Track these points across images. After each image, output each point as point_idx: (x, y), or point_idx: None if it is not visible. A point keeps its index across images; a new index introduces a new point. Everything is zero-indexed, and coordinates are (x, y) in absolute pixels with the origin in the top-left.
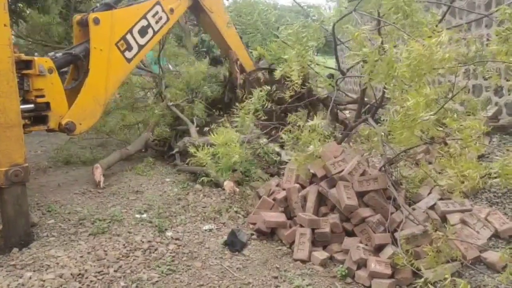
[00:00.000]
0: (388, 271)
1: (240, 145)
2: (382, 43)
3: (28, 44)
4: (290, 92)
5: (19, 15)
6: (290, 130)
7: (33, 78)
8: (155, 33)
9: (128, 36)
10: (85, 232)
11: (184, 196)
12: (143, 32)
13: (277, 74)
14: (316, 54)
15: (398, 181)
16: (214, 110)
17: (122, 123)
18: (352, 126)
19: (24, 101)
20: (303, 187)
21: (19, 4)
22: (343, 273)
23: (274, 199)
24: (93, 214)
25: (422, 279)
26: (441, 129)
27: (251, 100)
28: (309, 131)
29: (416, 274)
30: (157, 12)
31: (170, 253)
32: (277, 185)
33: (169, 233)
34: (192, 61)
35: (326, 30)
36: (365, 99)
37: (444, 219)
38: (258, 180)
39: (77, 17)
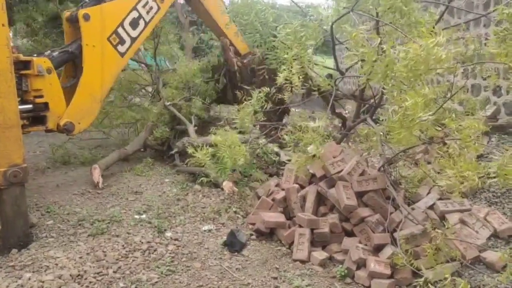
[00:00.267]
0: (388, 271)
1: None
2: (380, 43)
3: (28, 44)
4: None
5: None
6: (291, 131)
7: (31, 79)
8: (146, 24)
9: (120, 30)
10: (84, 233)
11: (183, 196)
12: (134, 24)
13: (279, 79)
14: (315, 53)
15: (397, 181)
16: (212, 105)
17: (120, 121)
18: (351, 126)
19: (23, 101)
20: (302, 187)
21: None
22: (343, 273)
23: (273, 199)
24: (92, 215)
25: (423, 279)
26: (440, 129)
27: (250, 102)
28: (311, 132)
29: (415, 274)
30: (147, 2)
31: (170, 253)
32: (276, 185)
33: (168, 234)
34: (189, 59)
35: (325, 30)
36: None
37: (443, 219)
38: (257, 181)
39: (66, 13)
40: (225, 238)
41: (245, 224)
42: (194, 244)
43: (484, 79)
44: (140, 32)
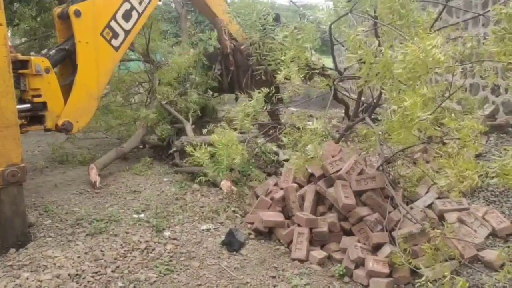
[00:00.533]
0: (386, 270)
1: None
2: (379, 45)
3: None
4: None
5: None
6: (289, 132)
7: (29, 78)
8: (140, 15)
9: (113, 23)
10: (83, 233)
11: (181, 195)
12: (127, 16)
13: (278, 77)
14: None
15: (396, 180)
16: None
17: (118, 121)
18: (350, 125)
19: (21, 101)
20: (301, 186)
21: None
22: (341, 272)
23: (271, 199)
24: (90, 214)
25: (422, 278)
26: (438, 128)
27: (250, 103)
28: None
29: (414, 273)
30: None
31: (168, 253)
32: (275, 185)
33: (166, 233)
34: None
35: (324, 31)
36: (362, 98)
37: (441, 218)
38: (255, 180)
39: (57, 10)
40: (223, 237)
41: (244, 223)
42: (193, 243)
43: (483, 78)
44: (134, 24)
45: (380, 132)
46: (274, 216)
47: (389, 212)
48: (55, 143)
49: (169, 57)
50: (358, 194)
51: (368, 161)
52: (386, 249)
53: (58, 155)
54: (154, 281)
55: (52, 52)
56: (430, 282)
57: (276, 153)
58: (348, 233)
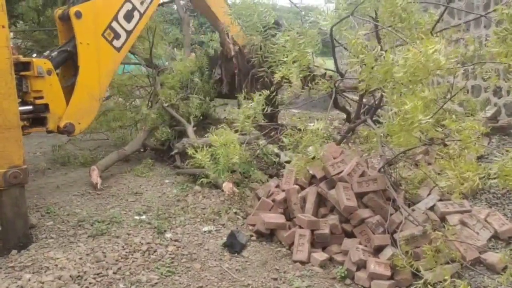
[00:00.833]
0: (388, 272)
1: (240, 145)
2: (380, 48)
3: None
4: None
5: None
6: (290, 133)
7: (31, 80)
8: (141, 15)
9: (114, 24)
10: (84, 234)
11: (183, 197)
12: (129, 16)
13: (276, 76)
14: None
15: (398, 182)
16: (212, 102)
17: (119, 123)
18: (351, 127)
19: (23, 102)
20: (302, 188)
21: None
22: (343, 274)
23: (273, 200)
24: (92, 216)
25: (422, 280)
26: (440, 130)
27: (251, 105)
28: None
29: (415, 275)
30: None
31: (169, 254)
32: (276, 186)
33: (168, 235)
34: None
35: (325, 33)
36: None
37: (443, 220)
38: (257, 181)
39: (58, 11)
40: (225, 239)
41: (245, 225)
42: (194, 245)
43: (485, 80)
44: (136, 25)
45: (381, 134)
46: (275, 218)
47: (391, 214)
48: (57, 145)
49: (171, 62)
50: (359, 196)
51: (369, 163)
52: (388, 251)
53: (60, 156)
54: (156, 283)
55: (54, 53)
56: (431, 285)
57: (278, 155)
58: (350, 235)
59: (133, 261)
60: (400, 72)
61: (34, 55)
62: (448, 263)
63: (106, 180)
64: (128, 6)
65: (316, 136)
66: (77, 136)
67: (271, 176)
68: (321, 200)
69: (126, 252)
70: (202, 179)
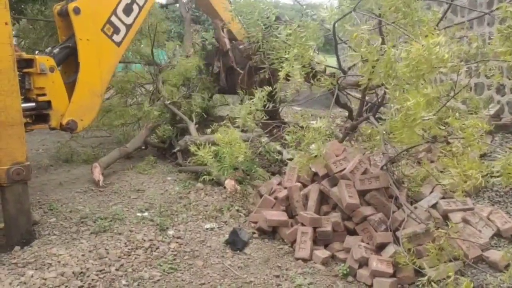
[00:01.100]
0: (390, 270)
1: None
2: (382, 43)
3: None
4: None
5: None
6: (293, 131)
7: (34, 77)
8: (141, 8)
9: (113, 18)
10: (87, 231)
11: (185, 194)
12: (128, 10)
13: (281, 74)
14: (317, 53)
15: (400, 179)
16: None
17: (121, 121)
18: (354, 125)
19: (26, 99)
20: (304, 185)
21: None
22: (345, 272)
23: (275, 198)
24: (94, 213)
25: (425, 278)
26: (443, 128)
27: (252, 101)
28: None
29: (418, 273)
30: None
31: (172, 251)
32: (279, 184)
33: (170, 232)
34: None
35: (327, 29)
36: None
37: (446, 218)
38: (259, 179)
39: (56, 7)
40: (227, 236)
41: (247, 223)
42: (196, 242)
43: (488, 77)
44: (135, 18)
45: (384, 132)
46: (277, 215)
47: (393, 212)
48: (60, 142)
49: (173, 58)
50: (362, 193)
51: (372, 160)
52: (390, 249)
53: (63, 153)
54: (158, 280)
55: (56, 50)
56: (434, 282)
57: (280, 152)
58: (352, 232)
59: (135, 258)
60: (403, 67)
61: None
62: (450, 261)
63: (108, 177)
64: (127, 0)
65: (318, 133)
66: (80, 133)
67: (273, 174)
68: (323, 197)
69: (129, 249)
70: (204, 177)
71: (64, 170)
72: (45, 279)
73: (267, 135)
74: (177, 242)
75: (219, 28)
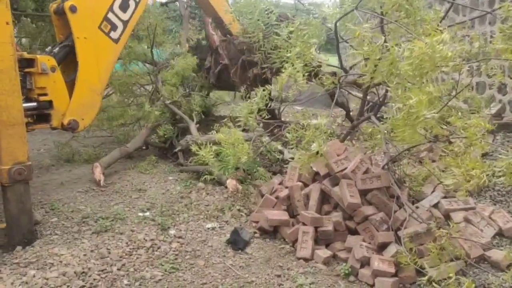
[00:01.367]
0: (392, 270)
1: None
2: (385, 41)
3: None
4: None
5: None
6: (294, 129)
7: (35, 77)
8: (137, 4)
9: (110, 15)
10: (88, 230)
11: (187, 194)
12: (124, 6)
13: (284, 74)
14: (318, 52)
15: (402, 179)
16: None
17: (121, 121)
18: (355, 124)
19: (27, 99)
20: (306, 185)
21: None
22: (346, 272)
23: (276, 197)
24: (96, 213)
25: (426, 277)
26: (445, 127)
27: (254, 100)
28: (313, 129)
29: (419, 272)
30: None
31: (173, 251)
32: (280, 183)
33: (172, 231)
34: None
35: (329, 29)
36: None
37: (447, 217)
38: (260, 178)
39: (52, 5)
40: (228, 236)
41: (249, 222)
42: (198, 242)
43: (489, 77)
44: (132, 14)
45: (385, 131)
46: (279, 215)
47: (395, 211)
48: (61, 142)
49: (172, 57)
50: (363, 193)
51: (373, 160)
52: (392, 249)
53: (64, 153)
54: (160, 279)
55: (56, 49)
56: (436, 282)
57: (281, 152)
58: (353, 232)
59: (137, 258)
60: (406, 65)
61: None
62: (452, 260)
63: (109, 177)
64: None
65: (319, 131)
66: (81, 133)
67: (274, 173)
68: (324, 197)
69: (130, 249)
70: (206, 176)
71: (66, 170)
72: (47, 279)
73: (268, 134)
74: (178, 242)
75: (207, 24)
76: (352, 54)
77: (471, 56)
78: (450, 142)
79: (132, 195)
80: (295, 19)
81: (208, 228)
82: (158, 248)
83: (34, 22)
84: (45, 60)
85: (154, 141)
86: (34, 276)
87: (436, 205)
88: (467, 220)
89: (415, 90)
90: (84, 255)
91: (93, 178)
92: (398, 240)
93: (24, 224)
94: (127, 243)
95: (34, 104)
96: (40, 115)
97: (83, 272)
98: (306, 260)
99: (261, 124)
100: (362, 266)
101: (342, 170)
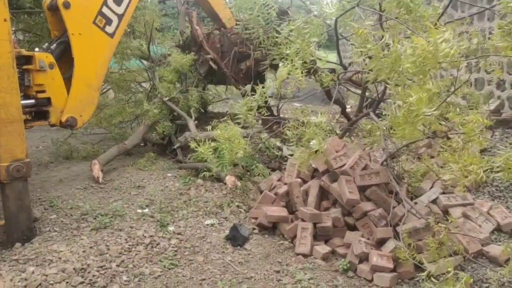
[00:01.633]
0: (390, 265)
1: (244, 140)
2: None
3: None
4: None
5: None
6: (294, 126)
7: (33, 74)
8: None
9: (104, 9)
10: (87, 227)
11: (185, 190)
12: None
13: (284, 72)
14: (317, 49)
15: (400, 175)
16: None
17: (119, 119)
18: (354, 121)
19: (25, 96)
20: (304, 181)
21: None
22: (345, 267)
23: (275, 194)
24: (95, 209)
25: (425, 272)
26: (443, 123)
27: (253, 97)
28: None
29: (418, 267)
30: None
31: (172, 247)
32: (279, 180)
33: (171, 228)
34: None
35: (328, 25)
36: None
37: (446, 213)
38: (259, 175)
39: (46, 1)
40: (227, 232)
41: (248, 218)
42: (197, 238)
43: (488, 73)
44: (126, 7)
45: (384, 127)
46: (278, 211)
47: (393, 207)
48: (59, 139)
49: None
50: (362, 189)
51: (372, 156)
52: (390, 244)
53: (63, 150)
54: (159, 276)
55: (53, 46)
56: (434, 277)
57: (280, 148)
58: (352, 228)
59: (136, 254)
60: (408, 62)
61: (36, 49)
62: (450, 255)
63: (108, 174)
64: None
65: (319, 129)
66: (80, 130)
67: (273, 170)
68: (323, 193)
69: (129, 245)
70: (205, 173)
71: (64, 167)
72: (46, 275)
73: (267, 131)
74: (177, 238)
75: (191, 16)
76: (355, 52)
77: (470, 52)
78: (449, 138)
79: (131, 192)
80: (296, 17)
81: (207, 225)
82: (157, 244)
83: (32, 19)
84: (43, 57)
85: (153, 138)
86: (33, 272)
87: (434, 201)
88: (465, 216)
89: (415, 88)
90: (83, 251)
91: (92, 175)
92: (396, 235)
93: (22, 221)
94: (126, 239)
95: (32, 101)
96: (38, 112)
97: (82, 269)
98: (305, 256)
99: (260, 121)
100: (360, 261)
101: (341, 167)
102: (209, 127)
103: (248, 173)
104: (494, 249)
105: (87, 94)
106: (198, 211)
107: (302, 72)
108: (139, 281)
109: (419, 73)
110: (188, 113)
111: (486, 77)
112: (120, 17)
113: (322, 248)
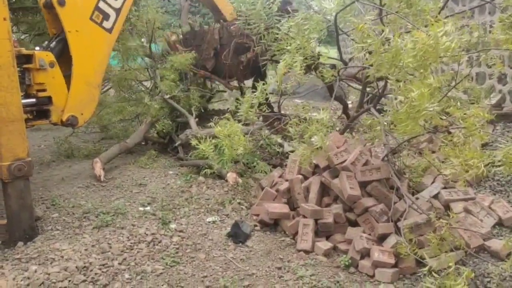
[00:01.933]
0: (392, 261)
1: (244, 136)
2: (387, 33)
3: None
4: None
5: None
6: (296, 123)
7: (34, 72)
8: None
9: (101, 4)
10: (89, 225)
11: (187, 188)
12: None
13: (281, 66)
14: (318, 45)
15: (401, 170)
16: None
17: (120, 117)
18: (355, 116)
19: (26, 95)
20: (306, 178)
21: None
22: (347, 263)
23: (277, 190)
24: (97, 208)
25: (426, 268)
26: (444, 117)
27: (254, 94)
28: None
29: (419, 263)
30: None
31: (174, 245)
32: (280, 176)
33: (172, 225)
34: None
35: (328, 20)
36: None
37: (447, 208)
38: (261, 172)
39: None
40: (229, 229)
41: (249, 215)
42: (199, 235)
43: (489, 67)
44: (124, 1)
45: (385, 123)
46: (279, 207)
47: (395, 203)
48: (61, 137)
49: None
50: (363, 185)
51: (373, 151)
52: (392, 240)
53: (64, 149)
54: (161, 273)
55: (53, 44)
56: (436, 272)
57: (281, 145)
58: (354, 224)
59: (138, 252)
60: (409, 57)
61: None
62: (452, 250)
63: (110, 172)
64: None
65: (321, 125)
66: (81, 129)
67: (274, 166)
68: (324, 189)
69: (131, 243)
70: (206, 170)
71: (66, 166)
72: (49, 274)
73: (268, 127)
74: (179, 236)
75: (184, 10)
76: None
77: (471, 46)
78: (450, 133)
79: (133, 189)
80: (296, 13)
81: (209, 222)
82: (159, 242)
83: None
84: (43, 56)
85: (154, 136)
86: (35, 271)
87: (436, 196)
88: (467, 211)
89: (417, 83)
90: (85, 250)
91: (94, 174)
92: (398, 231)
93: (25, 220)
94: (128, 237)
95: (33, 100)
96: (39, 111)
97: (85, 267)
98: (306, 252)
99: (261, 118)
100: (362, 257)
101: (341, 162)
102: (211, 124)
103: (250, 170)
104: (496, 244)
105: (87, 92)
106: (200, 209)
107: (301, 67)
108: (141, 278)
109: (420, 67)
110: (189, 111)
111: (487, 71)
112: (118, 11)
113: (324, 244)
